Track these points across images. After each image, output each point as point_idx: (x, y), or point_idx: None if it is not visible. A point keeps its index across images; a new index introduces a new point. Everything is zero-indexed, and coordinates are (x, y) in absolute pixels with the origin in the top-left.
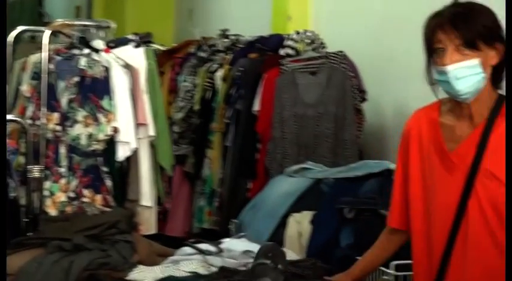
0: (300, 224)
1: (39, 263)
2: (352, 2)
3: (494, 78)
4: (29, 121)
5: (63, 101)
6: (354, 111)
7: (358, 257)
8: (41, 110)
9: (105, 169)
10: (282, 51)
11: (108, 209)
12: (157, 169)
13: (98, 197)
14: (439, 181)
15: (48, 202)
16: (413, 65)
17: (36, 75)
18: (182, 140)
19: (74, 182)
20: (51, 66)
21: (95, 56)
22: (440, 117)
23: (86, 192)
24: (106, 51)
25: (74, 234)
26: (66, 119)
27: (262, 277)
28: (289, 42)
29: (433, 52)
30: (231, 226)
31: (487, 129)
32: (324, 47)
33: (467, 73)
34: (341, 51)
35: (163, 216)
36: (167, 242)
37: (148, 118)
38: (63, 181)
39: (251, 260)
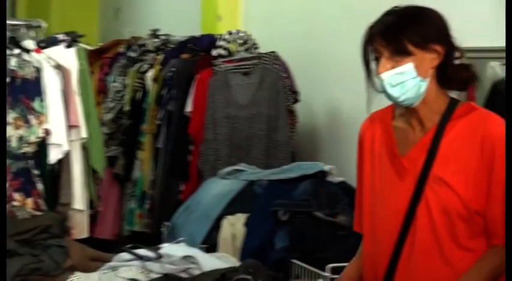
0: (234, 227)
1: None
2: (283, 2)
3: (441, 80)
4: None
5: None
6: (286, 112)
7: (293, 260)
8: None
9: (36, 171)
10: (214, 52)
11: (39, 213)
12: (90, 171)
13: (29, 201)
14: (390, 186)
15: None
16: (344, 65)
17: None
18: (112, 141)
19: None
20: None
21: (25, 57)
22: (394, 121)
23: (16, 195)
24: (37, 51)
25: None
26: None
27: None
28: (222, 43)
29: (374, 60)
30: (163, 229)
31: (438, 134)
32: (256, 48)
33: (402, 79)
34: (273, 52)
35: (92, 219)
36: (96, 246)
37: (81, 120)
38: None
39: (191, 265)
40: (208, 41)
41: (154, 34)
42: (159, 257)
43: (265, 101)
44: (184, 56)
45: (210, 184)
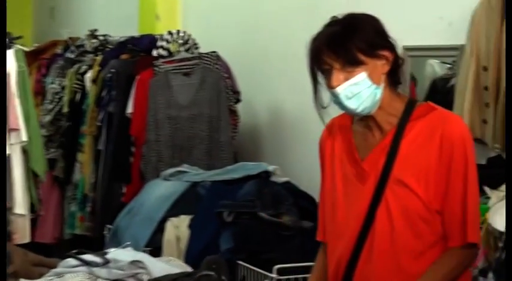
0: (178, 229)
1: None
2: (221, 2)
3: (395, 84)
4: None
5: None
6: (228, 113)
7: (239, 262)
8: None
9: None
10: (154, 52)
11: None
12: (30, 175)
13: None
14: (351, 191)
15: None
16: (285, 64)
17: None
18: (51, 143)
19: None
20: None
21: None
22: (353, 125)
23: None
24: None
25: None
26: None
27: None
28: (162, 43)
29: (322, 72)
30: (105, 232)
31: (396, 136)
32: (197, 48)
33: (357, 90)
34: (214, 52)
35: (32, 223)
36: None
37: (20, 123)
38: None
39: (140, 270)
40: (148, 41)
41: (93, 34)
42: (106, 262)
43: (207, 101)
44: (124, 56)
45: (153, 185)
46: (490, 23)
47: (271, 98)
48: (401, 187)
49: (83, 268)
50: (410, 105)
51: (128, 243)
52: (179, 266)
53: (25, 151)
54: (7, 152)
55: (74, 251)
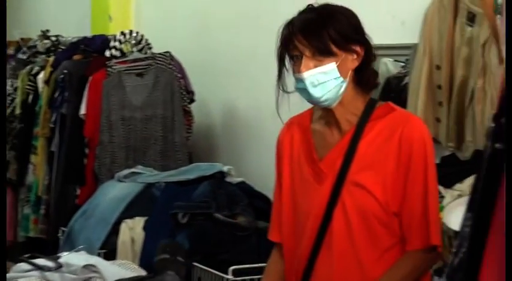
0: (133, 231)
1: None
2: (174, 2)
3: (360, 82)
4: None
5: None
6: (182, 113)
7: (194, 263)
8: None
9: None
10: (107, 53)
11: None
12: None
13: None
14: (309, 191)
15: None
16: (239, 63)
17: None
18: None
19: None
20: None
21: None
22: (312, 124)
23: None
24: None
25: None
26: None
27: (164, 271)
28: (115, 44)
29: (291, 59)
30: (60, 235)
31: (355, 136)
32: (150, 48)
33: (325, 79)
34: (167, 52)
35: None
36: None
37: None
38: None
39: (93, 274)
40: (100, 42)
41: (45, 35)
42: (59, 266)
43: (161, 101)
44: (76, 57)
45: (107, 187)
46: (442, 22)
47: (225, 98)
48: (358, 188)
49: (36, 273)
50: (370, 105)
51: (81, 247)
52: (132, 270)
53: None
54: None
55: (27, 255)
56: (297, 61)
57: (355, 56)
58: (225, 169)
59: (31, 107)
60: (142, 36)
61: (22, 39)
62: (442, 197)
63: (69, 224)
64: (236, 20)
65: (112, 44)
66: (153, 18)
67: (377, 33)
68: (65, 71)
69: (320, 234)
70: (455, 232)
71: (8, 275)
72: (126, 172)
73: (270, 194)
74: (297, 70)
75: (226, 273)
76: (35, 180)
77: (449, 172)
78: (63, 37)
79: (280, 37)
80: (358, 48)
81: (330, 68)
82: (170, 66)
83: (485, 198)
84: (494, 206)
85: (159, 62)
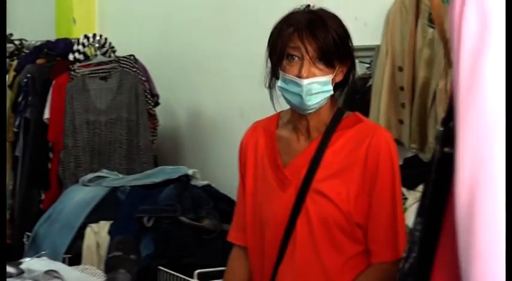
0: (98, 235)
1: None
2: (138, 5)
3: (334, 94)
4: None
5: None
6: (147, 116)
7: (160, 267)
8: None
9: None
10: (71, 56)
11: None
12: None
13: None
14: (272, 197)
15: None
16: (203, 66)
17: None
18: None
19: None
20: None
21: None
22: (278, 130)
23: None
24: None
25: None
26: None
27: (116, 269)
28: (78, 47)
29: (284, 58)
30: (25, 239)
31: (322, 144)
32: (114, 51)
33: (320, 89)
34: (131, 55)
35: None
36: None
37: None
38: None
39: (54, 280)
40: (64, 46)
41: (8, 39)
42: (21, 272)
43: (125, 105)
44: (40, 61)
45: (72, 191)
46: (404, 23)
47: (190, 100)
48: (321, 197)
49: None
50: (338, 115)
51: (45, 252)
52: (95, 275)
53: None
54: None
55: None
56: (292, 61)
57: (344, 69)
58: (190, 172)
59: None
60: (106, 39)
61: None
62: (405, 198)
63: (34, 229)
64: (199, 22)
65: (75, 47)
66: (116, 21)
67: None
68: (28, 75)
69: (284, 242)
70: None
71: None
72: (90, 176)
73: (235, 196)
74: (292, 72)
75: (192, 277)
76: None
77: (412, 174)
78: (26, 41)
79: (279, 33)
80: (347, 63)
81: (327, 79)
82: (134, 69)
83: (435, 202)
84: (444, 211)
85: (123, 65)
